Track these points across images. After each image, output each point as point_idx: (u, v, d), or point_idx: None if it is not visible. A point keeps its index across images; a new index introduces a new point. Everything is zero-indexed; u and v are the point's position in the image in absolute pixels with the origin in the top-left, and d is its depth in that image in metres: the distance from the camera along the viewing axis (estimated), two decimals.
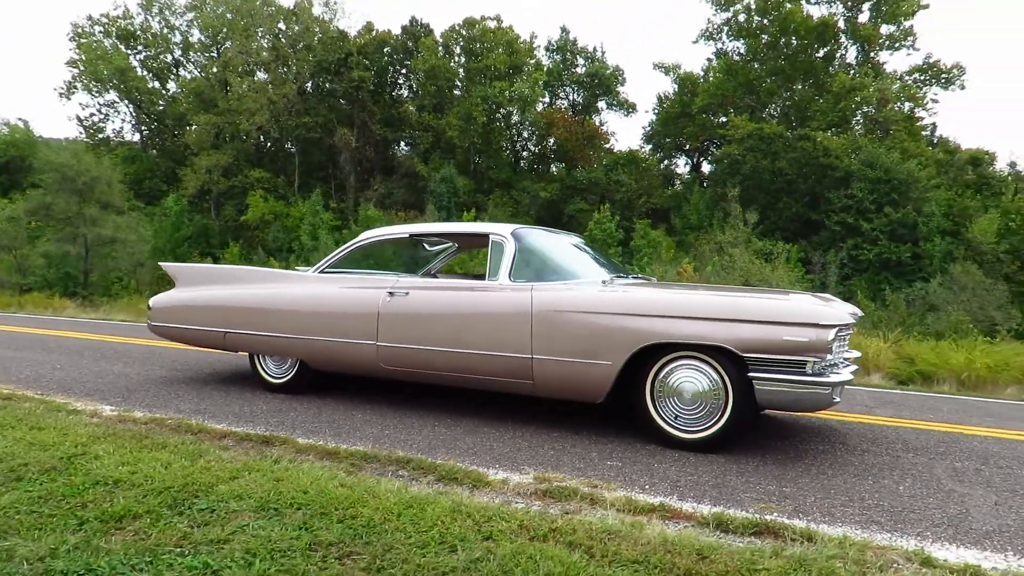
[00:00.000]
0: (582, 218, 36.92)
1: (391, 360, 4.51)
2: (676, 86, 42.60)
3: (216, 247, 35.34)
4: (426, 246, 5.72)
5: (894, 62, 44.52)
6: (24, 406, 4.27)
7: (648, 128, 45.17)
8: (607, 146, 42.25)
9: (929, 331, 15.68)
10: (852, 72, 36.74)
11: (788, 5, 36.44)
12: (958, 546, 2.55)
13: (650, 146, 43.88)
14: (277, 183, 38.41)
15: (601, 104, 42.62)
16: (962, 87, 37.09)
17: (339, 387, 5.40)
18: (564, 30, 42.78)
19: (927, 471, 3.58)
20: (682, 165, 46.09)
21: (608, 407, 4.69)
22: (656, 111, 44.22)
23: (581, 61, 42.75)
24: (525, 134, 40.88)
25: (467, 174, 37.70)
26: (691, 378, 3.74)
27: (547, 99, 41.59)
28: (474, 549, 2.30)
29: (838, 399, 3.54)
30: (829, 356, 3.47)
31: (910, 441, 4.26)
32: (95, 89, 41.13)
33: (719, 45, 40.04)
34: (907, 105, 36.87)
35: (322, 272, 5.03)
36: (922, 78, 37.51)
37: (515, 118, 40.35)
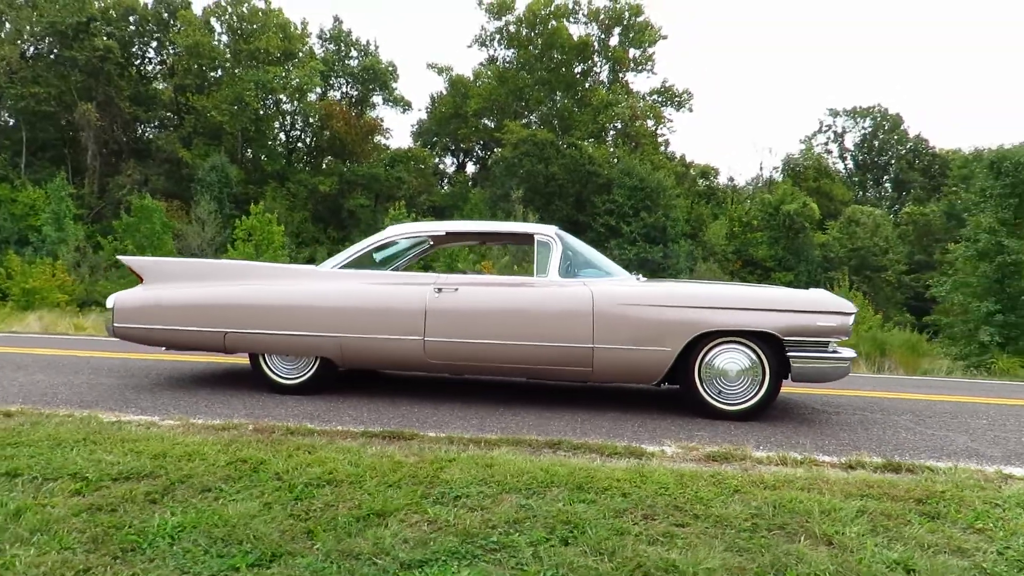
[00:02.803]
0: (362, 214, 36.64)
1: (440, 354, 4.61)
2: (448, 87, 43.96)
3: None
4: (403, 244, 5.77)
5: (638, 83, 50.83)
6: (64, 421, 3.67)
7: (417, 126, 46.08)
8: (385, 142, 42.27)
9: None
10: (606, 88, 40.98)
11: (553, 22, 39.52)
12: (1004, 466, 3.56)
13: (418, 143, 44.68)
14: None
15: (377, 99, 42.48)
16: (690, 109, 43.39)
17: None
18: (337, 19, 41.99)
19: (899, 424, 4.68)
20: (448, 164, 47.72)
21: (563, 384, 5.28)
22: (429, 110, 45.28)
23: (355, 53, 42.22)
24: (300, 124, 39.34)
25: (237, 163, 35.33)
26: (734, 359, 4.47)
27: (321, 90, 40.39)
28: (746, 501, 2.77)
29: (850, 371, 4.51)
30: (846, 338, 4.42)
31: (853, 405, 5.38)
32: None
33: (491, 52, 42.09)
34: (649, 122, 42.09)
35: (342, 268, 4.92)
36: (660, 99, 43.06)
37: (288, 107, 38.69)
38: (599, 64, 42.14)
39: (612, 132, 41.47)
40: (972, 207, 17.07)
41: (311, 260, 27.96)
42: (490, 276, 5.03)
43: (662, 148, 42.15)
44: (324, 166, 38.75)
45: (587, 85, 41.42)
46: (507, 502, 2.75)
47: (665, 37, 40.88)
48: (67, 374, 5.59)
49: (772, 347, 4.40)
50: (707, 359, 4.48)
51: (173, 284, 4.94)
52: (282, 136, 39.98)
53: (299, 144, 40.46)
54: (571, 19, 40.75)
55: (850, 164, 46.72)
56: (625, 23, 41.00)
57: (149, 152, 35.79)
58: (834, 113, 46.95)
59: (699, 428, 4.25)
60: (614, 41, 41.64)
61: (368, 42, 42.33)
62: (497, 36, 41.00)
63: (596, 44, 41.15)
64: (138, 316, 4.89)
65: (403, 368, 4.86)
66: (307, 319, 4.71)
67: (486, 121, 42.33)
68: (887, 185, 46.52)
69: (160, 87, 38.41)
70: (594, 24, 41.26)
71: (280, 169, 36.86)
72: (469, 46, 43.93)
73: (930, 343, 17.89)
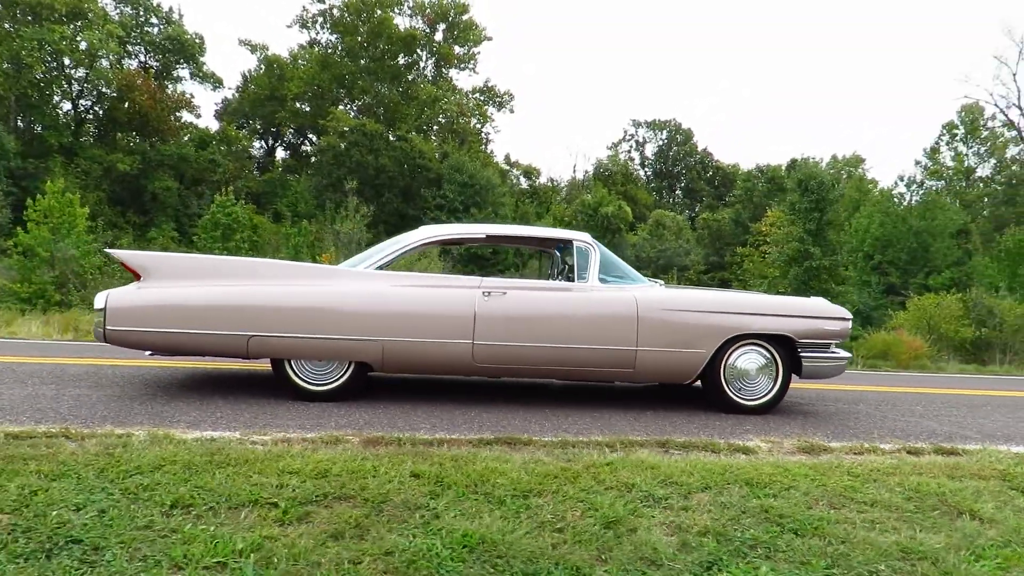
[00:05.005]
0: (167, 197, 33.38)
1: (488, 358, 4.56)
2: (263, 67, 41.39)
3: None
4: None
5: (461, 81, 50.42)
6: (150, 441, 3.14)
7: (221, 104, 42.81)
8: (193, 121, 38.79)
9: None
10: (432, 83, 41.01)
11: (379, 12, 38.74)
12: (1001, 445, 4.33)
13: (224, 124, 41.55)
14: None
15: (183, 73, 38.77)
16: (511, 110, 44.74)
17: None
18: None
19: (870, 413, 5.44)
20: (256, 148, 44.91)
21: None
22: (240, 89, 42.29)
23: (156, 20, 38.23)
24: (92, 93, 34.82)
25: (12, 133, 30.54)
26: (752, 360, 4.95)
27: (115, 57, 36.05)
28: (888, 487, 3.18)
29: (845, 369, 5.17)
30: (844, 340, 5.08)
31: (807, 398, 6.15)
32: None
33: (313, 34, 40.30)
34: (473, 120, 42.80)
35: (379, 269, 4.66)
36: (482, 98, 43.97)
37: (75, 72, 34.13)
38: (424, 58, 42.06)
39: (436, 127, 41.64)
40: (785, 218, 19.53)
41: (113, 246, 25.17)
42: (533, 280, 5.07)
43: (483, 147, 43.07)
44: (123, 142, 34.63)
45: (411, 78, 41.18)
46: (702, 501, 2.95)
47: (490, 38, 41.80)
48: (21, 386, 4.72)
49: (785, 348, 4.94)
50: (730, 360, 4.91)
51: (181, 282, 4.41)
52: (67, 105, 35.18)
53: (89, 115, 35.86)
54: (396, 10, 40.24)
55: (649, 172, 51.07)
56: (450, 20, 41.30)
57: None
58: (636, 124, 51.10)
59: (749, 424, 4.67)
60: (439, 37, 41.80)
61: (171, 9, 38.51)
62: (320, 19, 39.38)
63: (422, 38, 40.99)
64: (139, 318, 4.31)
65: (445, 372, 4.79)
66: (347, 322, 4.46)
67: (303, 106, 40.48)
68: (679, 192, 51.48)
69: None
70: (419, 18, 41.11)
71: (67, 143, 32.44)
72: (289, 26, 41.62)
73: None
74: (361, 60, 39.12)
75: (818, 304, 5.10)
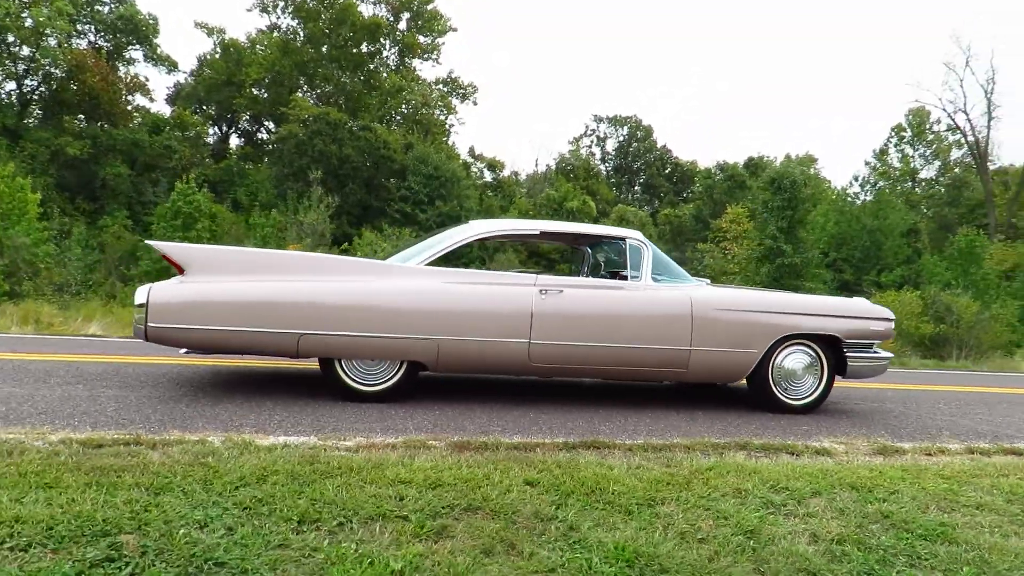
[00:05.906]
0: (119, 184, 32.12)
1: (544, 357, 4.45)
2: (219, 51, 40.15)
3: None
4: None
5: (424, 71, 49.34)
6: (232, 448, 2.92)
7: (173, 88, 41.39)
8: (147, 105, 37.37)
9: None
10: (396, 72, 40.39)
11: None
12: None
13: (177, 108, 40.18)
14: None
15: (136, 55, 37.27)
16: (475, 103, 44.38)
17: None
18: None
19: (899, 412, 5.53)
20: (210, 135, 43.54)
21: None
22: (195, 73, 40.93)
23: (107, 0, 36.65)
24: (38, 73, 33.17)
25: None
26: (799, 359, 4.96)
27: (64, 36, 34.44)
28: (985, 490, 3.20)
29: (888, 369, 5.23)
30: (887, 340, 5.14)
31: (849, 397, 6.20)
32: None
33: (274, 19, 39.24)
34: (437, 112, 42.32)
35: (430, 265, 4.49)
36: (446, 90, 43.51)
37: (19, 51, 32.48)
38: (387, 47, 41.39)
39: (399, 118, 41.03)
40: (745, 215, 19.82)
41: (67, 233, 24.25)
42: (587, 279, 4.97)
43: (447, 139, 42.64)
44: (73, 124, 33.03)
45: (373, 67, 40.48)
46: (820, 506, 2.92)
47: (455, 29, 41.39)
48: (47, 386, 4.40)
49: (831, 348, 4.96)
50: (778, 360, 4.91)
51: (228, 277, 4.18)
52: (11, 85, 33.45)
53: (35, 96, 34.17)
54: None
55: (609, 167, 51.42)
56: (415, 9, 40.69)
57: None
58: (598, 119, 51.36)
59: (800, 422, 4.70)
60: (403, 26, 41.18)
61: None
62: (281, 3, 38.33)
63: (386, 27, 40.31)
64: (184, 315, 4.07)
65: (499, 372, 4.67)
66: (404, 320, 4.31)
67: (261, 92, 39.42)
68: (638, 188, 51.96)
69: None
70: (383, 6, 40.41)
71: (11, 125, 30.86)
72: (249, 10, 40.40)
73: None
74: (323, 47, 38.26)
75: (863, 305, 5.15)
